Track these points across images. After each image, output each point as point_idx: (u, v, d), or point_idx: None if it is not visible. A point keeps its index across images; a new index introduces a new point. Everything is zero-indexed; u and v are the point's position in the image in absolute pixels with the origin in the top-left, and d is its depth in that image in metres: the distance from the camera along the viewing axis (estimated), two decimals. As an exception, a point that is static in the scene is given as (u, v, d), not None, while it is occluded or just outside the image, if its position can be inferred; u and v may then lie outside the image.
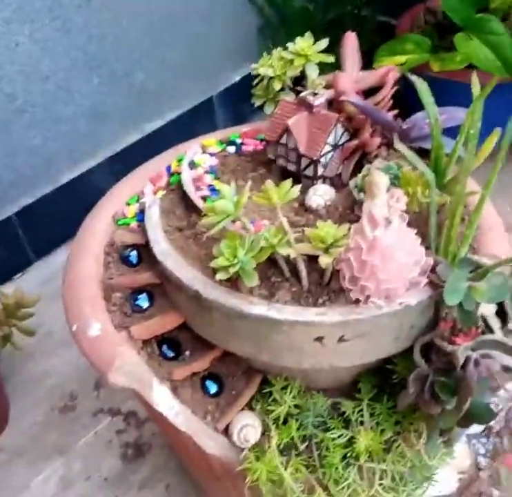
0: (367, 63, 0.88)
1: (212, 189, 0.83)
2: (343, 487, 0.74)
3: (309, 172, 0.81)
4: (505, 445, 0.70)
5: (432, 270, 0.68)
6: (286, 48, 0.86)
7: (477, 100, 0.65)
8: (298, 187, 0.67)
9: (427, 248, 0.70)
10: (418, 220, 0.74)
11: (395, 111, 0.83)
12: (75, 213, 1.16)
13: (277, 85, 0.85)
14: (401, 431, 0.77)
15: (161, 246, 0.77)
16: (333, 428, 0.76)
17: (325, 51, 0.85)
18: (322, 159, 0.80)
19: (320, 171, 0.81)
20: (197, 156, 0.90)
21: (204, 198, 0.82)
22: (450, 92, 1.26)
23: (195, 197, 0.81)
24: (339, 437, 0.76)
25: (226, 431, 0.75)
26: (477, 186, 0.83)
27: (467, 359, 0.65)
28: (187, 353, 0.79)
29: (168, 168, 0.91)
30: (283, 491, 0.73)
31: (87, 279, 0.79)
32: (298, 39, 0.83)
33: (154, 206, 0.83)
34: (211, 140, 0.94)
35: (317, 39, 0.86)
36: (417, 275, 0.66)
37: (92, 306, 0.77)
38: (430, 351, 0.71)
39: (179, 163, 0.91)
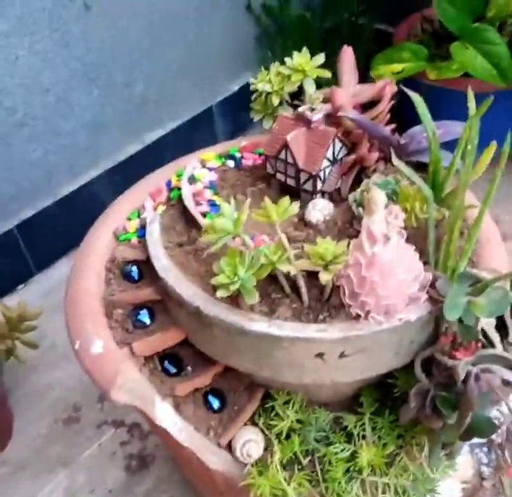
0: (364, 70, 0.89)
1: (212, 204, 0.84)
2: (346, 501, 0.75)
3: (308, 186, 0.82)
4: (507, 458, 0.69)
5: (432, 285, 0.68)
6: (283, 63, 0.86)
7: (474, 117, 0.65)
8: (297, 204, 0.68)
9: (426, 263, 0.70)
10: (417, 235, 0.75)
11: (393, 125, 0.83)
12: (76, 225, 1.17)
13: (275, 101, 0.86)
14: (404, 445, 0.77)
15: (162, 262, 0.77)
16: (336, 442, 0.77)
17: (323, 63, 0.86)
18: (321, 174, 0.80)
19: (319, 186, 0.81)
20: (197, 171, 0.91)
21: (204, 214, 0.82)
22: (447, 100, 1.27)
23: (195, 212, 0.82)
24: (341, 451, 0.76)
25: (229, 447, 0.76)
26: (475, 199, 0.84)
27: (468, 374, 0.65)
28: (189, 368, 0.80)
29: (168, 182, 0.92)
30: (287, 506, 0.73)
31: (88, 295, 0.80)
32: (295, 55, 0.84)
33: (154, 221, 0.83)
34: (210, 154, 0.95)
35: (314, 47, 0.86)
36: (416, 291, 0.67)
37: (94, 323, 0.77)
38: (430, 365, 0.71)
39: (178, 177, 0.91)
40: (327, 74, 0.85)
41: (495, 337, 0.72)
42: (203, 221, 0.79)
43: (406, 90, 0.79)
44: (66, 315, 0.78)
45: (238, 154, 0.95)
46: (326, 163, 0.80)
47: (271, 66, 0.87)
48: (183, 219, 0.85)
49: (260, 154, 0.94)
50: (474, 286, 0.67)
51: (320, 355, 0.68)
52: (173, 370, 0.79)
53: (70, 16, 1.41)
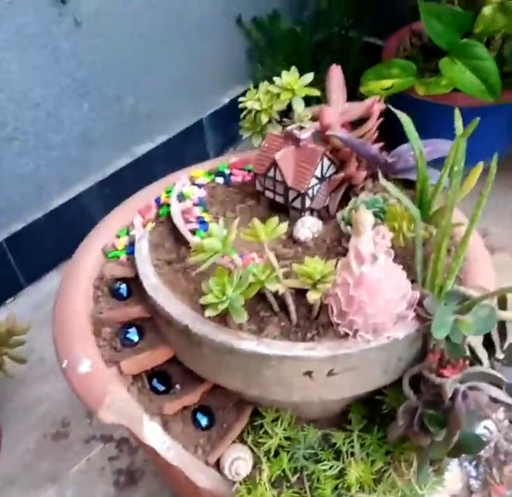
0: (353, 84, 0.90)
1: (201, 221, 0.84)
2: (335, 519, 0.75)
3: (297, 204, 0.82)
4: (494, 474, 0.70)
5: (420, 303, 0.69)
6: (273, 76, 0.86)
7: (460, 138, 0.66)
8: (285, 223, 0.68)
9: (413, 281, 0.71)
10: (404, 254, 0.75)
11: (381, 144, 0.84)
12: (66, 238, 1.17)
13: (264, 119, 0.86)
14: (392, 461, 0.78)
15: (151, 281, 0.77)
16: (324, 459, 0.77)
17: (313, 78, 0.86)
18: (309, 192, 0.81)
19: (308, 203, 0.82)
20: (186, 187, 0.91)
21: (193, 231, 0.82)
22: (437, 114, 1.28)
23: (185, 230, 0.82)
24: (330, 468, 0.76)
25: (218, 465, 0.76)
26: (462, 216, 0.84)
27: (455, 391, 0.65)
28: (177, 386, 0.80)
29: (157, 199, 0.92)
30: (275, 524, 0.73)
31: (76, 313, 0.80)
32: (284, 73, 0.84)
33: (143, 239, 0.84)
34: (199, 171, 0.95)
35: (304, 61, 0.87)
36: (404, 309, 0.67)
37: (82, 342, 0.77)
38: (419, 382, 0.72)
39: (167, 194, 0.92)
40: (316, 93, 0.85)
41: (483, 354, 0.72)
42: (192, 240, 0.80)
43: (393, 109, 0.79)
44: (54, 333, 0.78)
45: (227, 171, 0.95)
46: (314, 181, 0.81)
47: (260, 84, 0.87)
48: (172, 236, 0.85)
49: (249, 171, 0.94)
50: (461, 304, 0.68)
51: (308, 374, 0.68)
52: (161, 388, 0.79)
53: (60, 32, 1.42)
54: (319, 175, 0.81)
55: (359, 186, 0.84)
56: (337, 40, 1.99)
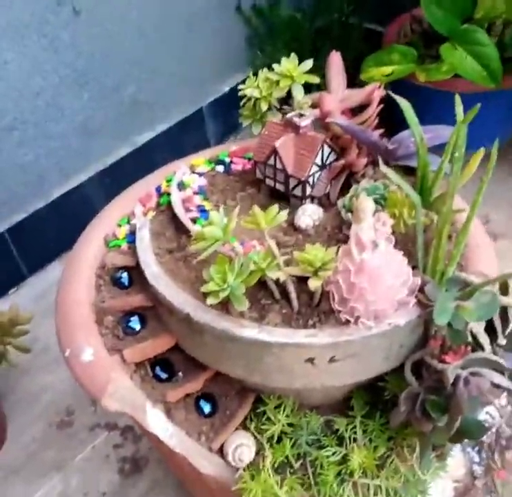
0: (354, 71, 0.89)
1: (202, 210, 0.84)
2: (338, 504, 0.75)
3: (297, 192, 0.82)
4: (497, 459, 0.70)
5: (421, 290, 0.69)
6: (273, 64, 0.86)
7: (461, 124, 0.66)
8: (285, 211, 0.68)
9: (415, 267, 0.71)
10: (405, 240, 0.75)
11: (381, 130, 0.83)
12: (67, 228, 1.17)
13: (263, 106, 0.86)
14: (395, 447, 0.78)
15: (152, 269, 0.77)
16: (327, 445, 0.77)
17: (312, 64, 0.86)
18: (310, 179, 0.80)
19: (308, 191, 0.81)
20: (186, 176, 0.91)
21: (194, 219, 0.82)
22: (438, 100, 1.27)
23: (185, 219, 0.82)
24: (333, 454, 0.76)
25: (221, 451, 0.76)
26: (463, 202, 0.84)
27: (457, 377, 0.65)
28: (180, 374, 0.80)
29: (158, 188, 0.92)
30: (279, 510, 0.74)
31: (79, 302, 0.80)
32: (283, 60, 0.84)
33: (144, 228, 0.84)
34: (200, 159, 0.95)
35: (304, 48, 0.87)
36: (405, 296, 0.67)
37: (85, 330, 0.77)
38: (420, 368, 0.72)
39: (168, 183, 0.92)
40: (315, 79, 0.85)
41: (485, 340, 0.72)
42: (193, 228, 0.80)
43: (393, 95, 0.79)
44: (56, 322, 0.78)
45: (227, 159, 0.95)
46: (314, 168, 0.80)
47: (260, 71, 0.87)
48: (173, 225, 0.85)
49: (249, 159, 0.94)
50: (463, 291, 0.68)
51: (310, 360, 0.68)
52: (164, 376, 0.79)
53: (59, 21, 1.41)
54: (320, 163, 0.81)
55: (359, 173, 0.84)
56: (338, 27, 1.98)
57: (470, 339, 0.71)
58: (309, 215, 0.80)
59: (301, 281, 0.70)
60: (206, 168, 0.93)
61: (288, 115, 0.82)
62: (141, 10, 1.58)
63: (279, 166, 0.81)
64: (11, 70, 1.37)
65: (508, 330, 0.72)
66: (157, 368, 0.79)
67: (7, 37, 1.34)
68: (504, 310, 0.71)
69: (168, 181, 0.92)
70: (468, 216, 0.67)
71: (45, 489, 1.23)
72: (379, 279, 0.64)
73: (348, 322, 0.68)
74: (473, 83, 1.42)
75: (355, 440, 0.78)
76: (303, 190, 0.81)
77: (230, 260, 0.67)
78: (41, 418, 1.35)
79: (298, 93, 0.84)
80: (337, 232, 0.80)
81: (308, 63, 0.85)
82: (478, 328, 0.72)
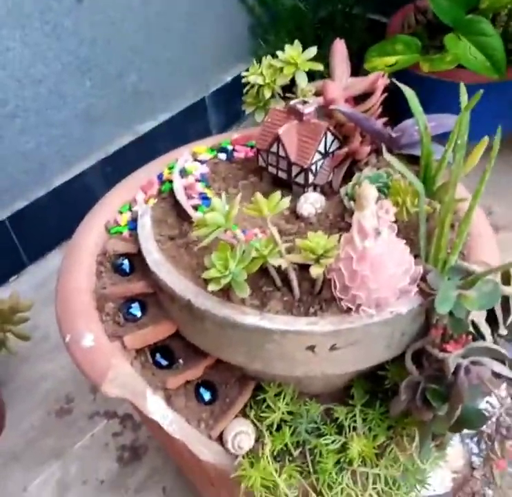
0: (357, 61, 0.89)
1: (204, 197, 0.84)
2: (336, 492, 0.75)
3: (300, 179, 0.82)
4: (497, 449, 0.70)
5: (423, 278, 0.68)
6: (276, 54, 0.86)
7: (464, 112, 0.66)
8: (288, 198, 0.68)
9: (417, 256, 0.70)
10: (408, 229, 0.75)
11: (385, 119, 0.83)
12: (68, 216, 1.17)
13: (267, 93, 0.85)
14: (394, 436, 0.78)
15: (154, 256, 0.77)
16: (326, 434, 0.77)
17: (315, 54, 0.85)
18: (313, 167, 0.80)
19: (311, 179, 0.81)
20: (188, 163, 0.90)
21: (196, 206, 0.82)
22: (441, 91, 1.27)
23: (187, 206, 0.81)
24: (332, 442, 0.76)
25: (220, 439, 0.76)
26: (466, 191, 0.84)
27: (458, 366, 0.65)
28: (180, 361, 0.80)
29: (160, 175, 0.92)
30: (278, 497, 0.74)
31: (79, 289, 0.80)
32: (287, 47, 0.84)
33: (146, 215, 0.83)
34: (202, 147, 0.95)
35: (307, 38, 0.87)
36: (407, 284, 0.67)
37: (85, 317, 0.77)
38: (421, 357, 0.72)
39: (170, 170, 0.91)
40: (319, 67, 0.85)
41: (486, 329, 0.72)
42: (195, 215, 0.79)
43: (397, 83, 0.79)
44: (57, 309, 0.78)
45: (230, 147, 0.95)
46: (317, 156, 0.80)
47: (263, 58, 0.86)
48: (174, 212, 0.85)
49: (252, 147, 0.94)
50: (465, 280, 0.68)
51: (311, 348, 0.68)
52: (164, 363, 0.79)
53: (61, 9, 1.41)
54: (323, 150, 0.80)
55: (362, 161, 0.84)
56: (341, 17, 1.97)
57: (471, 329, 0.71)
58: (311, 203, 0.79)
59: (303, 268, 0.70)
60: (208, 156, 0.93)
61: (292, 102, 0.81)
62: (144, -2, 1.58)
63: (281, 153, 0.81)
64: (13, 57, 1.37)
65: (509, 321, 0.72)
66: (158, 355, 0.79)
67: (9, 24, 1.33)
68: (505, 300, 0.70)
69: (170, 168, 0.92)
70: (470, 205, 0.67)
71: (43, 476, 1.23)
72: (381, 267, 0.64)
73: (349, 309, 0.67)
74: (476, 74, 1.42)
75: (354, 428, 0.78)
76: (306, 178, 0.81)
77: (231, 247, 0.67)
78: (41, 406, 1.35)
79: (302, 80, 0.84)
80: (339, 220, 0.79)
81: (312, 51, 0.85)
82: (479, 317, 0.72)
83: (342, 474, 0.76)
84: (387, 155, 0.71)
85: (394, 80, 0.82)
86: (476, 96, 0.64)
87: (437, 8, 1.46)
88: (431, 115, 0.80)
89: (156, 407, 0.74)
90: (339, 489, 0.75)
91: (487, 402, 0.70)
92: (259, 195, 0.66)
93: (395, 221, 0.68)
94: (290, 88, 0.88)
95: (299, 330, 0.66)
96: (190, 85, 1.84)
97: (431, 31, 1.62)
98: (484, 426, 0.70)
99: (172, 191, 0.86)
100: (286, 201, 0.67)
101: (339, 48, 0.85)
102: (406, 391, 0.70)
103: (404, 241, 0.67)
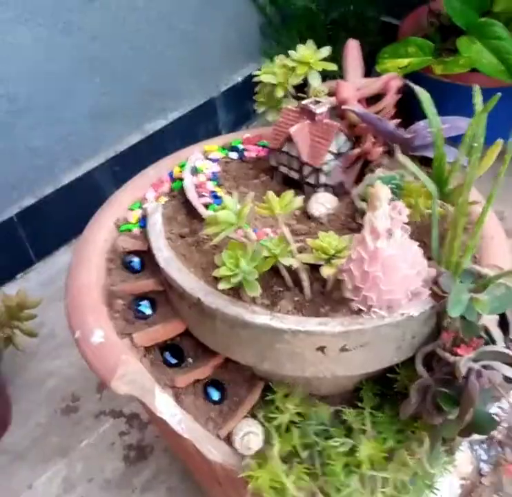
0: (369, 63, 0.89)
1: (215, 196, 0.83)
2: (344, 495, 0.75)
3: (311, 180, 0.81)
4: (507, 455, 0.69)
5: (435, 281, 0.68)
6: (287, 54, 0.85)
7: (481, 114, 0.65)
8: (301, 197, 0.67)
9: (429, 258, 0.70)
10: (420, 230, 0.75)
11: (398, 120, 0.83)
12: (76, 214, 1.17)
13: (279, 93, 0.85)
14: (403, 440, 0.77)
15: (164, 254, 0.77)
16: (335, 436, 0.76)
17: (328, 55, 0.85)
18: (324, 167, 0.80)
19: (322, 179, 0.81)
20: (199, 162, 0.90)
21: (206, 205, 0.82)
22: (453, 95, 1.26)
23: (198, 204, 0.81)
24: (341, 445, 0.76)
25: (228, 438, 0.76)
26: (479, 194, 0.83)
27: (469, 370, 0.65)
28: (189, 359, 0.80)
29: (170, 173, 0.92)
30: (285, 499, 0.73)
31: (89, 285, 0.79)
32: (300, 47, 0.83)
33: (156, 212, 0.83)
34: (213, 146, 0.94)
35: (319, 39, 0.86)
36: (419, 286, 0.67)
37: (95, 313, 0.77)
38: (432, 360, 0.71)
39: (181, 168, 0.91)
40: (332, 67, 0.84)
41: (497, 333, 0.72)
42: (206, 213, 0.79)
43: (411, 84, 0.78)
44: (67, 305, 0.78)
45: (241, 146, 0.94)
46: (329, 156, 0.80)
47: (275, 58, 0.86)
48: (185, 210, 0.84)
49: (263, 147, 0.94)
50: (477, 283, 0.67)
51: (321, 349, 0.67)
52: (173, 361, 0.78)
53: (73, 6, 1.41)
54: (335, 151, 0.80)
55: (374, 162, 0.83)
56: (353, 19, 1.97)
57: (482, 333, 0.71)
58: (322, 203, 0.79)
59: (314, 269, 0.70)
60: (220, 155, 0.93)
61: (304, 102, 0.81)
62: (155, -3, 1.58)
63: (293, 153, 0.81)
64: (25, 53, 1.37)
65: (521, 325, 0.71)
66: (167, 353, 0.78)
67: (22, 21, 1.33)
68: (518, 304, 0.70)
69: (181, 166, 0.91)
70: (484, 207, 0.67)
71: (49, 474, 1.23)
72: (393, 268, 0.64)
73: (360, 311, 0.67)
74: (489, 78, 1.41)
75: (363, 431, 0.77)
76: (317, 178, 0.81)
77: (242, 246, 0.67)
78: (47, 403, 1.35)
79: (314, 80, 0.84)
80: (350, 221, 0.79)
81: (325, 51, 0.84)
82: (491, 321, 0.72)
83: (350, 477, 0.75)
84: (400, 156, 0.71)
85: (408, 81, 0.81)
86: (494, 98, 0.64)
87: (451, 11, 1.45)
88: (444, 117, 0.80)
89: (164, 405, 0.73)
90: (347, 492, 0.75)
91: (498, 406, 0.69)
92: (271, 194, 0.66)
93: (408, 223, 0.67)
94: (302, 88, 0.87)
95: (309, 330, 0.66)
96: (200, 84, 1.84)
97: (444, 34, 1.61)
98: (495, 432, 0.70)
99: (182, 189, 0.86)
100: (299, 200, 0.67)
101: (353, 49, 0.85)
102: (416, 394, 0.69)
103: (417, 243, 0.67)
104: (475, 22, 1.44)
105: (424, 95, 0.77)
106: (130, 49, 1.58)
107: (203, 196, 0.83)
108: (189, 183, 0.85)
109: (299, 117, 0.82)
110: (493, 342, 0.71)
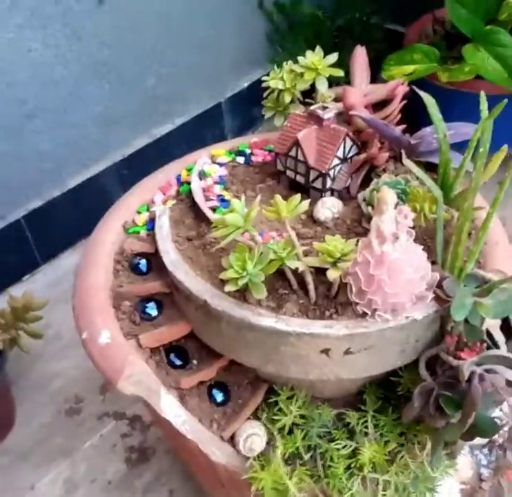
0: (374, 70, 0.90)
1: (222, 199, 0.84)
2: (346, 497, 0.75)
3: (318, 184, 0.82)
4: (508, 459, 0.70)
5: (439, 285, 0.68)
6: (294, 60, 0.86)
7: (486, 120, 0.66)
8: (307, 201, 0.68)
9: (434, 262, 0.71)
10: (425, 235, 0.75)
11: (404, 126, 0.83)
12: (83, 217, 1.18)
13: (287, 98, 0.86)
14: (405, 443, 0.78)
15: (171, 257, 0.77)
16: (338, 438, 0.77)
17: (335, 62, 0.86)
18: (331, 172, 0.81)
19: (328, 184, 0.82)
20: (207, 166, 0.91)
21: (213, 208, 0.83)
22: (458, 102, 1.27)
23: (205, 207, 0.82)
24: (343, 447, 0.76)
25: (232, 440, 0.76)
26: (483, 200, 0.84)
27: (472, 374, 0.65)
28: (194, 361, 0.80)
29: (178, 177, 0.92)
30: (288, 500, 0.74)
31: (97, 287, 0.80)
32: (308, 53, 0.84)
33: (164, 215, 0.84)
34: (220, 150, 0.95)
35: (325, 46, 0.87)
36: (423, 290, 0.67)
37: (102, 314, 0.78)
38: (435, 364, 0.72)
39: (188, 172, 0.92)
40: (340, 73, 0.85)
41: (500, 338, 0.72)
42: (213, 216, 0.80)
43: (417, 90, 0.79)
44: (74, 306, 0.79)
45: (248, 151, 0.95)
46: (336, 161, 0.81)
47: (283, 64, 0.87)
48: (192, 213, 0.85)
49: (270, 151, 0.94)
50: (481, 287, 0.68)
51: (326, 352, 0.68)
52: (179, 362, 0.79)
53: (82, 11, 1.42)
54: (341, 156, 0.81)
55: (380, 167, 0.84)
56: (359, 26, 1.98)
57: (485, 337, 0.71)
58: (328, 207, 0.80)
59: (320, 272, 0.71)
60: (227, 159, 0.93)
61: (312, 107, 0.82)
62: (164, 2, 1.59)
63: (300, 157, 0.82)
64: (34, 58, 1.38)
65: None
66: (172, 355, 0.79)
67: (31, 26, 1.34)
68: (521, 309, 0.70)
69: (189, 170, 0.92)
70: (488, 212, 0.67)
71: (52, 475, 1.24)
72: (398, 272, 0.64)
73: (365, 314, 0.68)
74: (494, 85, 1.42)
75: (366, 434, 0.78)
76: (324, 183, 0.81)
77: (249, 249, 0.67)
78: (50, 404, 1.36)
79: (322, 86, 0.84)
80: (356, 225, 0.80)
81: (333, 57, 0.85)
82: (494, 326, 0.72)
83: (352, 479, 0.76)
84: (406, 161, 0.72)
85: (414, 88, 0.82)
86: (500, 105, 0.64)
87: (456, 19, 1.46)
88: (450, 123, 0.80)
89: (169, 406, 0.74)
90: (349, 494, 0.75)
91: (501, 410, 0.70)
92: (278, 197, 0.67)
93: (413, 228, 0.68)
94: (310, 94, 0.88)
95: (314, 333, 0.67)
96: (206, 90, 1.85)
97: (449, 41, 1.62)
98: (496, 436, 0.70)
99: (190, 193, 0.86)
100: (305, 204, 0.68)
101: (360, 55, 0.86)
102: (419, 397, 0.70)
103: (422, 247, 0.67)
104: (480, 30, 1.45)
105: (429, 101, 0.78)
106: (139, 54, 1.59)
107: (211, 199, 0.84)
108: (196, 186, 0.86)
109: (306, 122, 0.82)
110: (496, 346, 0.72)
